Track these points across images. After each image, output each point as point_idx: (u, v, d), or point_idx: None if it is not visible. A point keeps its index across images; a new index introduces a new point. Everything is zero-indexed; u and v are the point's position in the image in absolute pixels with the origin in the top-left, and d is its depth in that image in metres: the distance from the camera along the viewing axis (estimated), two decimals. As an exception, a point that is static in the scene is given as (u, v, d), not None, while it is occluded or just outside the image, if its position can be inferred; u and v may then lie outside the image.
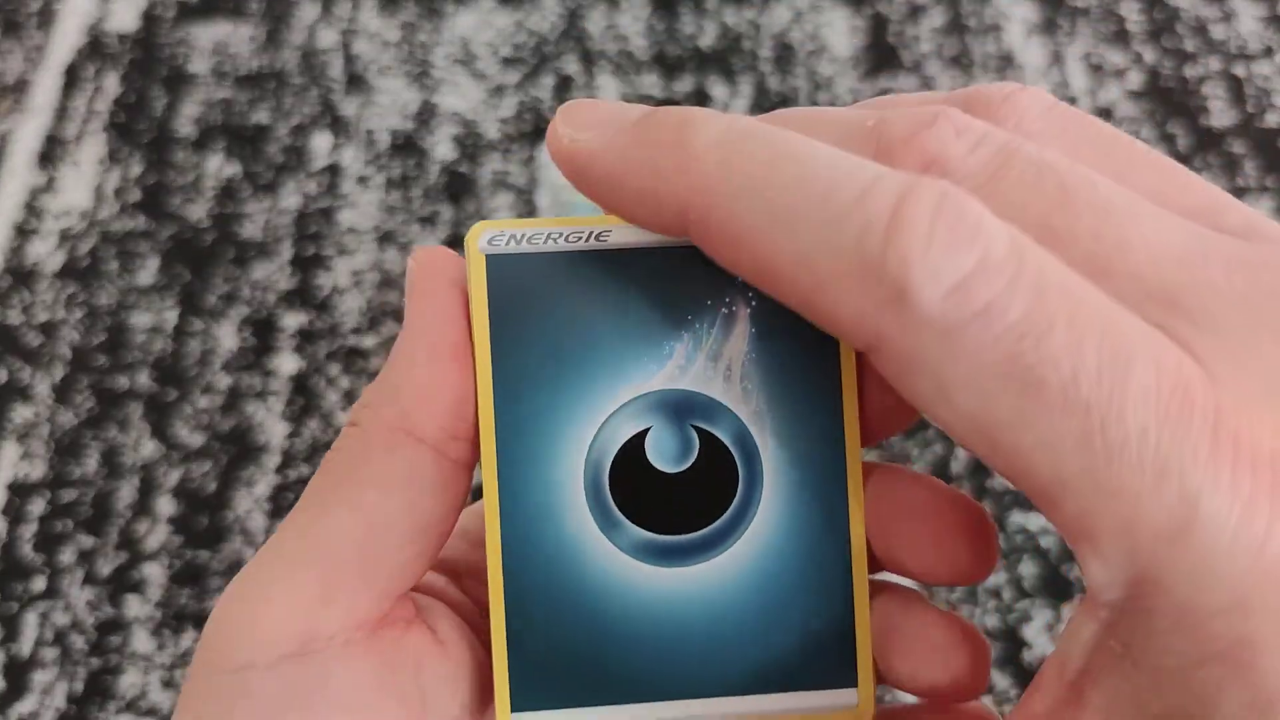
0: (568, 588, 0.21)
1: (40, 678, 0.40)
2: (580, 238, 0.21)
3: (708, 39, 0.55)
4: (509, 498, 0.21)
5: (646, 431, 0.21)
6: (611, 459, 0.21)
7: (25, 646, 0.41)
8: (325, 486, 0.20)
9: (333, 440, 0.45)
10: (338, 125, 0.53)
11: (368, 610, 0.20)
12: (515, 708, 0.21)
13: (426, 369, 0.20)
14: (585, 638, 0.21)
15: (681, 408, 0.21)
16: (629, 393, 0.21)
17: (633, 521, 0.21)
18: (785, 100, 0.53)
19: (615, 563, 0.21)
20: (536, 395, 0.21)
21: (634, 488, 0.21)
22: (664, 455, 0.21)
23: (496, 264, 0.21)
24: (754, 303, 0.21)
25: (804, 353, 0.22)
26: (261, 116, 0.53)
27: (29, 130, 0.53)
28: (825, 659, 0.22)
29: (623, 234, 0.21)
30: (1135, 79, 0.54)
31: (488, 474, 0.21)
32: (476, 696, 0.22)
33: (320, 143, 0.52)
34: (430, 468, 0.20)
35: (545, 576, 0.21)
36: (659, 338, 0.21)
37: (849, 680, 0.22)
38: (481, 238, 0.21)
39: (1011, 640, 0.40)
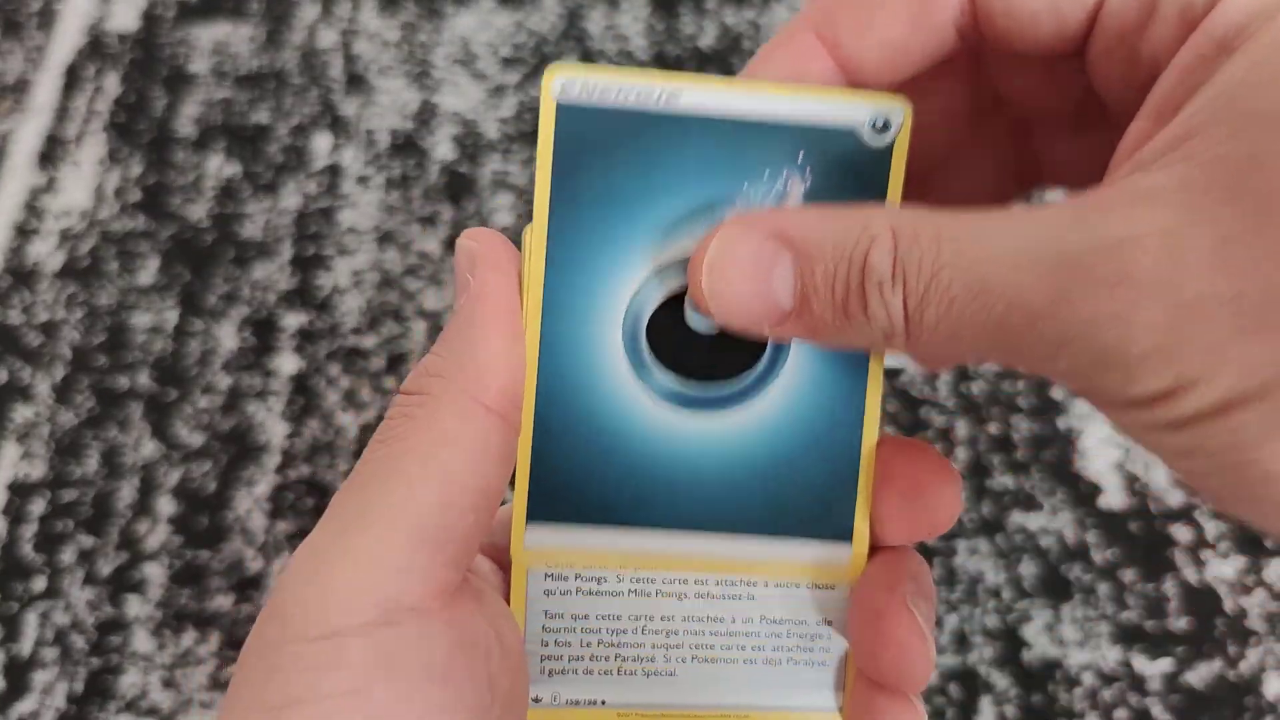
0: (594, 418, 0.22)
1: (40, 677, 0.40)
2: (652, 96, 0.21)
3: (708, 39, 0.55)
4: (551, 326, 0.22)
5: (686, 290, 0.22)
6: (651, 311, 0.22)
7: (26, 646, 0.41)
8: (397, 453, 0.20)
9: (335, 440, 0.45)
10: (338, 125, 0.53)
11: (443, 579, 0.20)
12: (531, 517, 0.22)
13: (499, 341, 0.21)
14: (604, 465, 0.22)
15: None
16: (678, 252, 0.22)
17: (664, 366, 0.22)
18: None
19: (641, 402, 0.22)
20: (590, 239, 0.22)
21: (669, 339, 0.22)
22: (698, 318, 0.22)
23: (566, 112, 0.21)
24: (809, 180, 0.22)
25: None
26: (262, 116, 0.53)
27: (29, 130, 0.53)
28: (827, 513, 0.23)
29: (692, 97, 0.22)
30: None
31: (532, 302, 0.22)
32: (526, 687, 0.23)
33: (320, 143, 0.52)
34: (497, 435, 0.21)
35: (574, 404, 0.22)
36: (714, 202, 0.22)
37: (845, 535, 0.23)
38: (555, 82, 0.21)
39: (1011, 640, 0.40)
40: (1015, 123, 0.25)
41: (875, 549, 0.23)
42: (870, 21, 0.22)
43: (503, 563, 0.23)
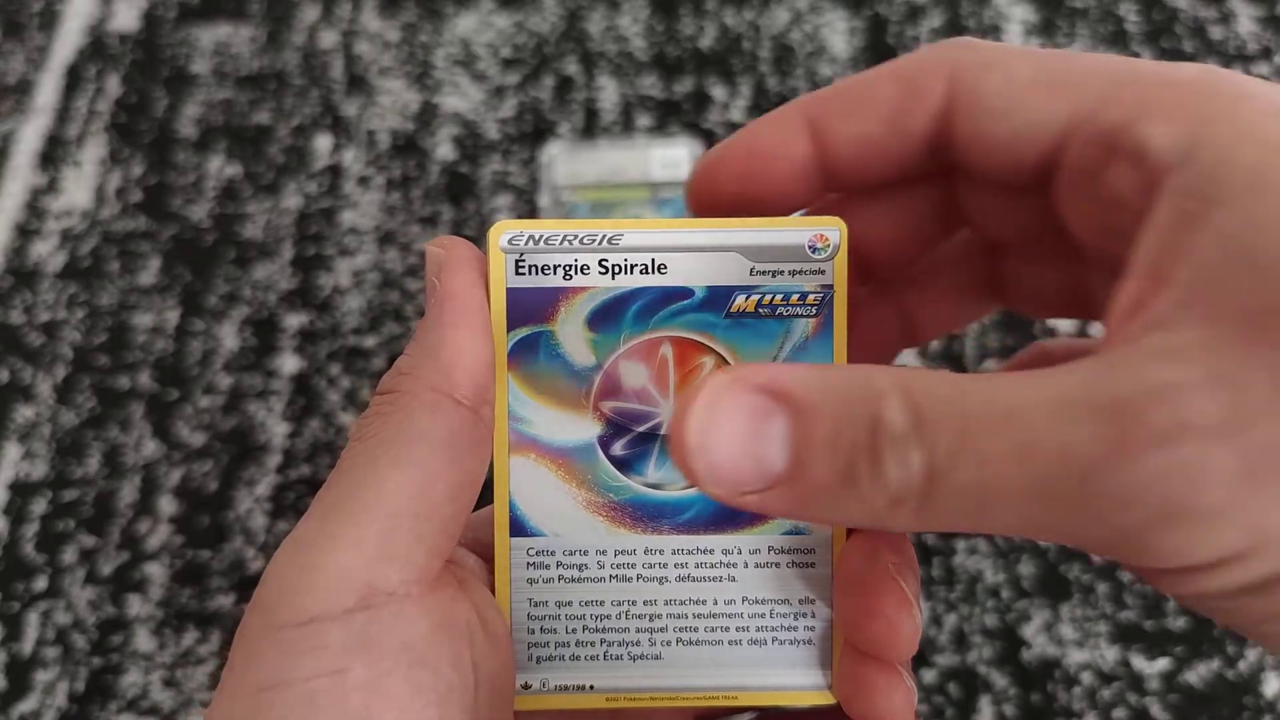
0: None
1: (42, 677, 0.40)
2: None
3: (707, 40, 0.55)
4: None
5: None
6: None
7: (27, 645, 0.41)
8: (371, 448, 0.21)
9: (336, 440, 0.45)
10: (339, 126, 0.53)
11: (422, 566, 0.21)
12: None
13: (466, 337, 0.22)
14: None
15: None
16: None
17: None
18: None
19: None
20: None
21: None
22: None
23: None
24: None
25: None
26: (263, 117, 0.53)
27: (31, 131, 0.53)
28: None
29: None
30: (1134, 80, 0.54)
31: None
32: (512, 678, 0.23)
33: (321, 143, 0.53)
34: (468, 427, 0.22)
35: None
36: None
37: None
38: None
39: (1011, 640, 0.40)
40: (986, 244, 0.25)
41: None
42: (853, 115, 0.23)
43: (487, 557, 0.24)
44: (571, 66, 0.55)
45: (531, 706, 0.23)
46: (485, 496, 0.23)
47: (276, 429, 0.45)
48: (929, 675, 0.40)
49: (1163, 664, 0.39)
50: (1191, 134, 0.18)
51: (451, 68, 0.55)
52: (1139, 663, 0.39)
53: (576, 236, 0.23)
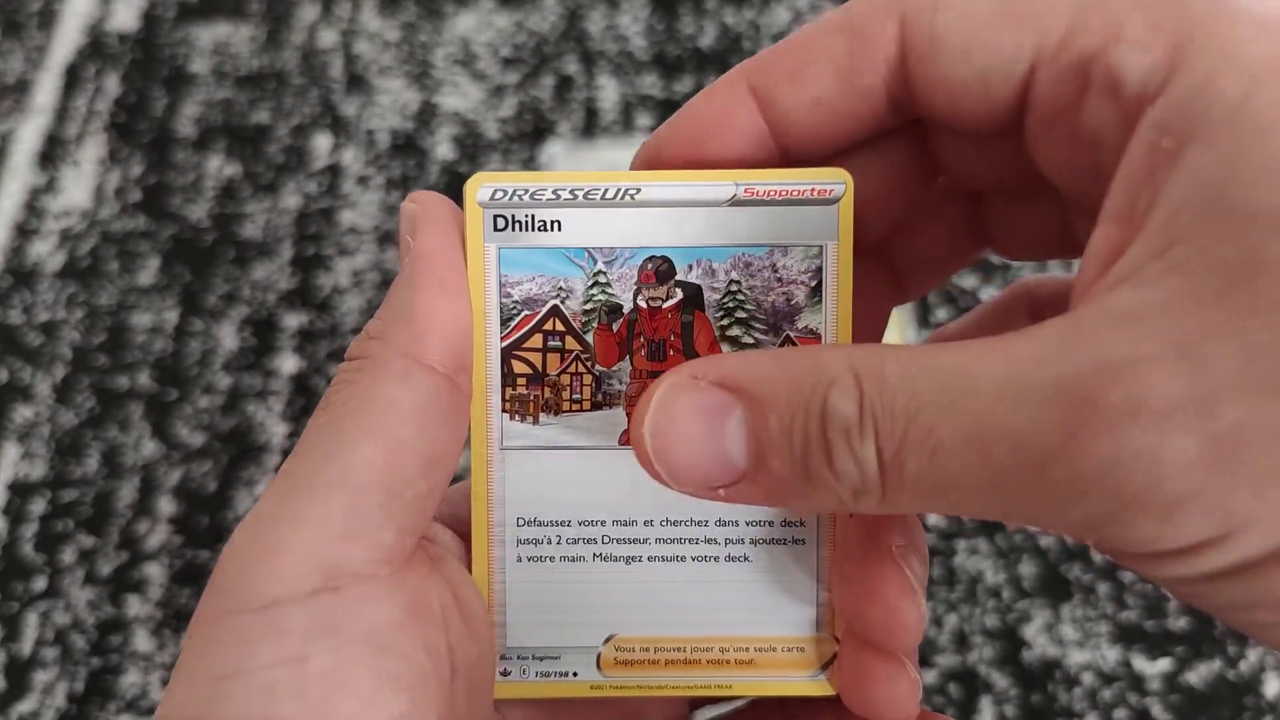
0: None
1: (41, 677, 0.40)
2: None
3: (708, 39, 0.55)
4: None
5: None
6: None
7: (26, 646, 0.41)
8: (338, 418, 0.20)
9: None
10: (338, 125, 0.53)
11: (390, 546, 0.19)
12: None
13: (441, 298, 0.20)
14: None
15: None
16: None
17: None
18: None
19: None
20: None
21: None
22: None
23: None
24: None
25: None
26: (262, 117, 0.53)
27: (30, 130, 0.53)
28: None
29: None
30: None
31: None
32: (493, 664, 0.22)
33: (321, 143, 0.52)
34: (443, 396, 0.20)
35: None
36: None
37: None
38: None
39: (1011, 640, 0.40)
40: (964, 192, 0.24)
41: None
42: (801, 76, 0.21)
43: (464, 534, 0.23)
44: (571, 66, 0.55)
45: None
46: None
47: (276, 429, 0.45)
48: (930, 676, 0.39)
49: (1164, 664, 0.39)
50: (1169, 60, 0.16)
51: (451, 67, 0.55)
52: (1140, 663, 0.39)
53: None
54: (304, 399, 0.46)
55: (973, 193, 0.24)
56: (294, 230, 0.50)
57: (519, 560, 0.22)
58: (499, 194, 0.21)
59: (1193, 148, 0.16)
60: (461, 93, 0.54)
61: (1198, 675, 0.39)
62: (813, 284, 0.22)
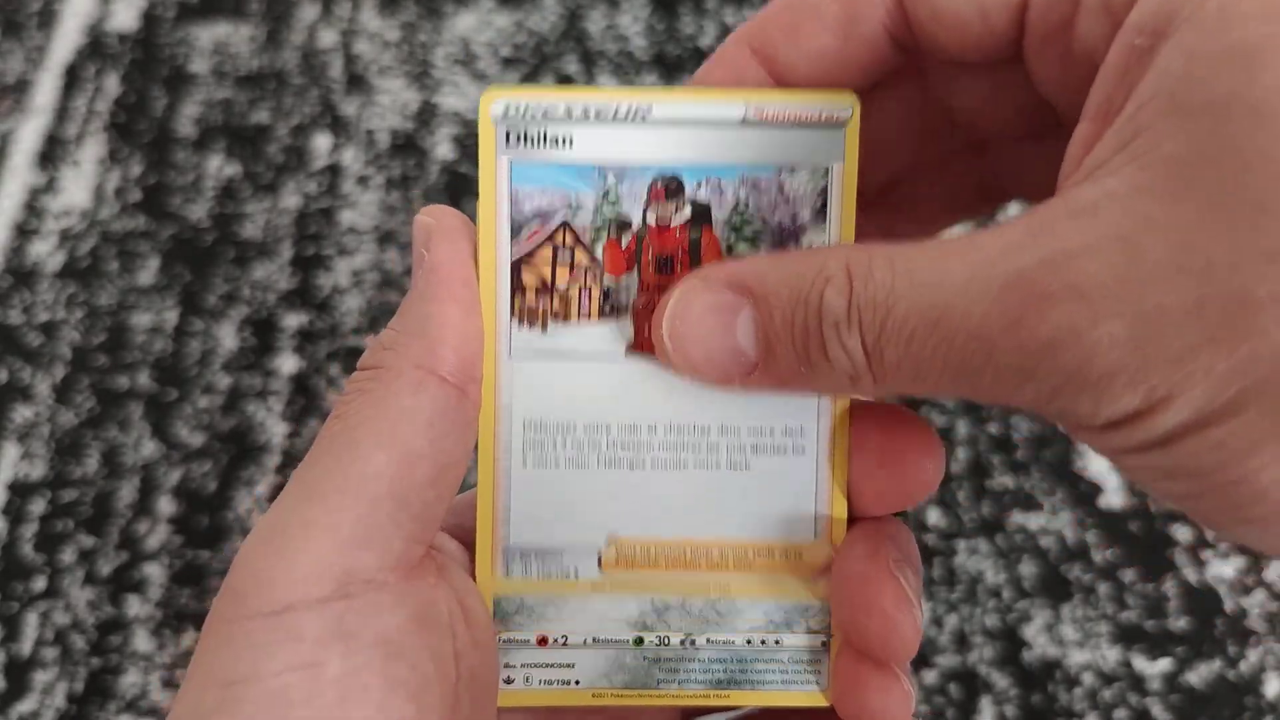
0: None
1: (41, 677, 0.40)
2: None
3: (708, 39, 0.55)
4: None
5: None
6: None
7: (26, 646, 0.41)
8: (351, 427, 0.20)
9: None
10: (338, 125, 0.53)
11: (400, 553, 0.20)
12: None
13: (453, 311, 0.21)
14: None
15: None
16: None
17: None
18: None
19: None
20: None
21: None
22: None
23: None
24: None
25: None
26: (262, 116, 0.53)
27: (30, 130, 0.53)
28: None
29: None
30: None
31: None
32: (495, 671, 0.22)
33: (320, 143, 0.52)
34: (454, 407, 0.20)
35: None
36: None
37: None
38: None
39: (1011, 640, 0.40)
40: (971, 137, 0.24)
41: (855, 519, 0.23)
42: (800, 31, 0.21)
43: (469, 543, 0.23)
44: (571, 65, 0.55)
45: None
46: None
47: (276, 429, 0.45)
48: (930, 676, 0.39)
49: (1164, 664, 0.39)
50: None
51: (451, 67, 0.55)
52: (1140, 663, 0.39)
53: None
54: (304, 399, 0.46)
55: (976, 145, 0.24)
56: (294, 230, 0.50)
57: (524, 465, 0.22)
58: (512, 109, 0.22)
59: (1163, 45, 0.16)
60: (461, 93, 0.54)
61: (1198, 675, 0.39)
62: (818, 205, 0.22)
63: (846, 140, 0.22)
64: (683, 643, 0.23)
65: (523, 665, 0.23)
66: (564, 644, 0.23)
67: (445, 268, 0.21)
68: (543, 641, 0.23)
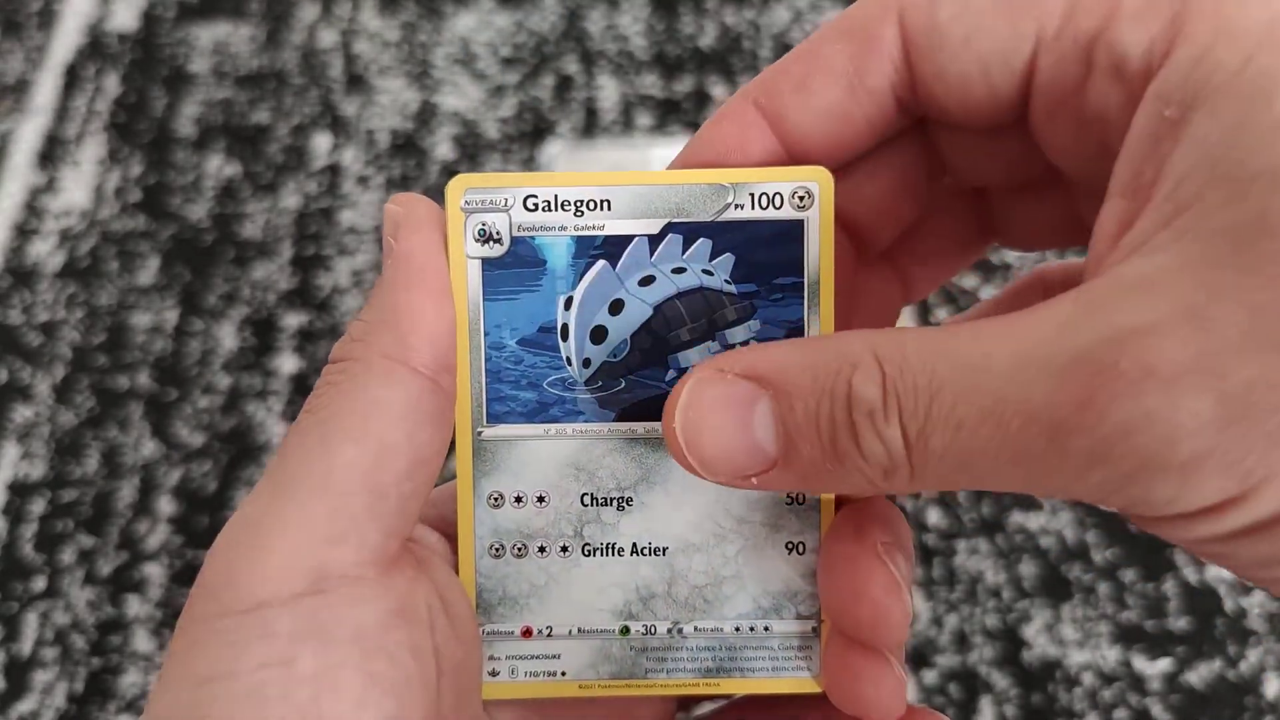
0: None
1: (41, 677, 0.40)
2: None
3: (708, 39, 0.55)
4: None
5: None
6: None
7: (26, 646, 0.41)
8: (322, 420, 0.20)
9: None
10: (338, 125, 0.53)
11: (376, 547, 0.20)
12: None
13: (423, 300, 0.20)
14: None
15: None
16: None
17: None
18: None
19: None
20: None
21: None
22: None
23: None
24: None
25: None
26: (262, 116, 0.53)
27: (29, 130, 0.53)
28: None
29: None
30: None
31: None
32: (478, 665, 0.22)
33: (320, 143, 0.52)
34: (428, 398, 0.20)
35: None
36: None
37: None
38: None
39: (1011, 640, 0.40)
40: (972, 189, 0.24)
41: (842, 500, 0.22)
42: (807, 89, 0.21)
43: (450, 536, 0.23)
44: (571, 65, 0.55)
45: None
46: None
47: (276, 429, 0.45)
48: (930, 676, 0.39)
49: (1164, 664, 0.39)
50: (1168, 32, 0.17)
51: (451, 67, 0.55)
52: (1140, 663, 0.39)
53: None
54: (304, 399, 0.45)
55: (977, 188, 0.24)
56: (294, 230, 0.50)
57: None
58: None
59: (1195, 116, 0.16)
60: (461, 93, 0.54)
61: (1198, 675, 0.39)
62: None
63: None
64: (670, 631, 0.22)
65: (507, 657, 0.22)
66: (549, 635, 0.22)
67: (415, 257, 0.21)
68: (527, 633, 0.22)
